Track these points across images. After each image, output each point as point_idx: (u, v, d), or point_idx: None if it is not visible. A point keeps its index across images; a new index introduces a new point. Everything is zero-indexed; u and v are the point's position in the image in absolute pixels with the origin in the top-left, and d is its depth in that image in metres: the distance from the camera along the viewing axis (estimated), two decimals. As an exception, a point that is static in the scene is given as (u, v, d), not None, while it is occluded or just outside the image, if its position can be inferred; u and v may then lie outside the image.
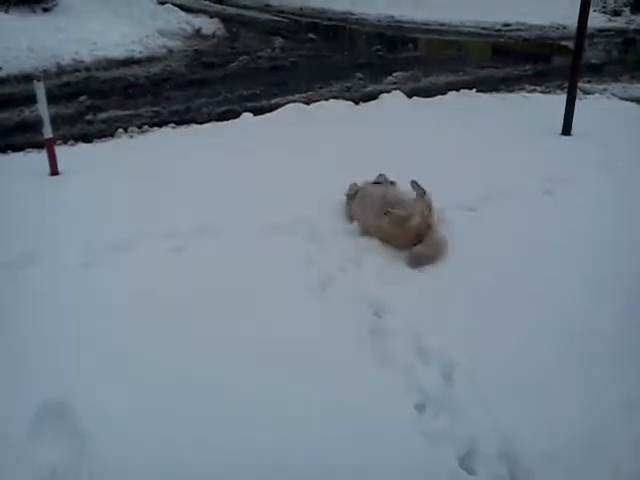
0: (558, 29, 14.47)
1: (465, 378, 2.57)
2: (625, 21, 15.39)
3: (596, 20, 14.04)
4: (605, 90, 8.32)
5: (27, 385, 2.50)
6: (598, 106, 7.01)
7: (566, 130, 5.71)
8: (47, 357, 2.66)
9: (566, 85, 6.06)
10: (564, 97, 5.87)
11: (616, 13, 15.62)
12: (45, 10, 11.97)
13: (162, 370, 2.58)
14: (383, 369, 2.62)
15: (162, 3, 15.16)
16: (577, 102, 5.76)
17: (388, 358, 2.67)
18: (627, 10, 15.78)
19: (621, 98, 7.70)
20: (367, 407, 2.43)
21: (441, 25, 15.19)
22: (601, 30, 14.39)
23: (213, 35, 12.84)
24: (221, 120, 6.45)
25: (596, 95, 7.79)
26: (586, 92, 7.83)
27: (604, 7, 15.62)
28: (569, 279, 3.31)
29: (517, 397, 2.51)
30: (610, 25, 15.02)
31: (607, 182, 4.55)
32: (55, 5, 12.32)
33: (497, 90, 8.19)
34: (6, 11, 11.30)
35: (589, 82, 8.75)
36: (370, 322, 2.91)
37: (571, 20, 13.22)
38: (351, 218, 3.86)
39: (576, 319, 2.98)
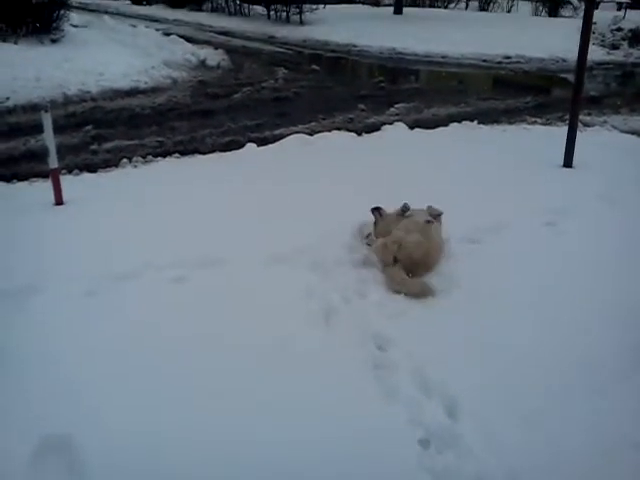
0: (557, 62, 14.70)
1: (469, 413, 2.54)
2: (623, 54, 15.62)
3: (595, 53, 14.25)
4: (605, 122, 8.40)
5: (27, 418, 2.48)
6: (599, 138, 7.07)
7: (568, 162, 5.75)
8: (48, 388, 2.64)
9: (567, 117, 6.14)
10: (565, 129, 5.93)
11: (614, 46, 15.85)
12: (53, 41, 12.21)
13: (164, 403, 2.55)
14: (386, 403, 2.59)
15: (168, 34, 15.45)
16: (578, 134, 5.81)
17: (391, 392, 2.64)
18: (625, 44, 16.01)
19: (621, 131, 7.78)
20: (370, 442, 2.40)
21: (442, 57, 15.45)
22: (600, 63, 14.61)
23: (218, 66, 13.03)
24: (225, 150, 6.50)
25: (596, 127, 7.87)
26: (586, 124, 7.92)
27: (602, 40, 15.86)
28: (572, 310, 3.29)
29: (522, 432, 2.47)
30: (609, 58, 15.25)
31: (609, 214, 4.57)
32: (63, 36, 12.57)
33: (498, 122, 8.29)
34: (15, 42, 11.51)
35: (589, 114, 8.85)
36: (373, 355, 2.88)
37: (570, 53, 13.49)
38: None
39: (579, 350, 2.97)
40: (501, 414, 2.56)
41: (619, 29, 16.21)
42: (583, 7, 5.59)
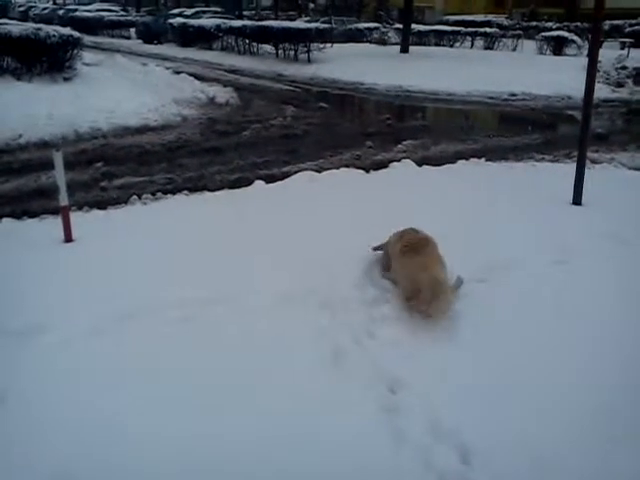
0: (563, 99, 14.83)
1: (482, 460, 2.48)
2: (628, 92, 15.75)
3: (601, 91, 14.37)
4: (613, 159, 8.40)
5: (29, 456, 2.45)
6: (607, 176, 7.06)
7: (577, 200, 5.74)
8: (51, 427, 2.60)
9: (574, 154, 6.15)
10: (573, 166, 5.93)
11: (619, 84, 16.00)
12: (66, 79, 12.45)
13: (169, 444, 2.51)
14: (398, 449, 2.54)
15: (177, 73, 15.74)
16: (586, 171, 5.80)
17: (403, 437, 2.59)
18: (630, 82, 16.17)
19: (629, 167, 7.77)
20: (382, 489, 2.34)
21: (449, 95, 15.62)
22: (605, 100, 14.73)
23: (226, 103, 13.22)
24: (234, 187, 6.53)
25: (604, 164, 7.86)
26: (594, 161, 7.92)
27: (607, 79, 16.01)
28: (585, 351, 3.24)
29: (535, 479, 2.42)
30: (614, 96, 15.37)
31: (619, 253, 4.52)
32: (75, 75, 12.83)
33: (506, 159, 8.30)
34: (29, 81, 11.75)
35: (597, 151, 8.87)
36: (384, 398, 2.83)
37: (575, 91, 13.63)
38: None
39: (593, 394, 2.90)
40: (515, 459, 2.49)
41: (623, 67, 16.38)
42: (587, 46, 5.65)
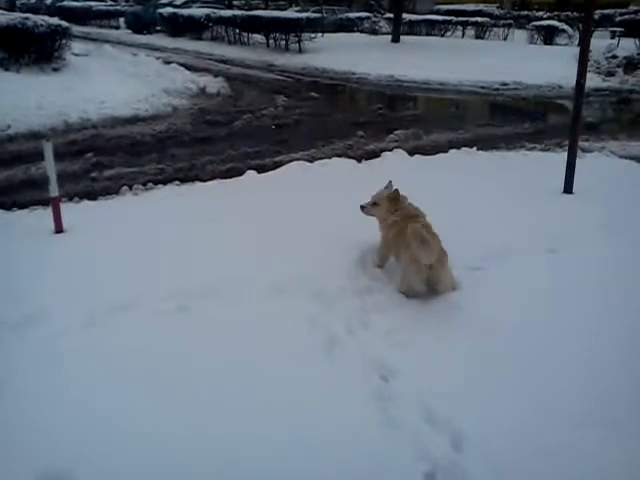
0: (554, 88, 14.86)
1: (475, 446, 2.49)
2: (619, 81, 15.80)
3: (591, 80, 14.38)
4: (604, 148, 8.43)
5: (26, 452, 2.43)
6: (598, 164, 7.08)
7: (568, 188, 5.76)
8: (47, 422, 2.59)
9: (565, 143, 6.16)
10: (564, 155, 5.95)
11: (610, 74, 16.05)
12: (54, 70, 12.31)
13: (164, 438, 2.50)
14: (391, 436, 2.55)
15: (168, 63, 15.62)
16: (577, 160, 5.82)
17: (396, 424, 2.60)
18: (620, 71, 16.21)
19: (620, 156, 7.80)
20: (375, 475, 2.36)
21: (441, 84, 15.61)
22: (596, 89, 14.77)
23: (217, 94, 13.14)
24: (225, 178, 6.50)
25: (595, 153, 7.89)
26: (585, 150, 7.95)
27: (598, 68, 16.05)
28: (578, 340, 3.25)
29: (529, 465, 2.43)
30: (605, 85, 15.42)
31: (610, 241, 4.55)
32: (64, 65, 12.68)
33: (497, 148, 8.32)
34: (17, 71, 11.61)
35: (587, 140, 8.90)
36: (377, 387, 2.84)
37: (566, 80, 13.65)
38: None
39: (587, 381, 2.92)
40: (508, 446, 2.51)
41: (614, 57, 16.43)
42: (578, 35, 5.66)
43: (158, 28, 29.26)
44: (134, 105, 10.74)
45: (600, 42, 17.93)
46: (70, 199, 5.82)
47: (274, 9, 33.15)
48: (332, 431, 2.56)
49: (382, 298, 3.61)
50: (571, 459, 2.47)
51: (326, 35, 24.05)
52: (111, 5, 37.60)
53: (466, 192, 5.64)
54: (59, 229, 4.66)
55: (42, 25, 12.06)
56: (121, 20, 33.24)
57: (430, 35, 28.90)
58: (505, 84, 15.33)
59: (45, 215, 4.86)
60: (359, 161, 7.14)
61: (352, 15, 33.05)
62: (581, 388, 2.88)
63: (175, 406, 2.68)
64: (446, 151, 7.61)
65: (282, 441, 2.50)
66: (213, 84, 13.80)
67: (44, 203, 5.24)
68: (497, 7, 36.82)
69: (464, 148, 7.76)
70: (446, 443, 2.52)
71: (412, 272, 3.54)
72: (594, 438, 2.56)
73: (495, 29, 28.75)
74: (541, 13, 31.46)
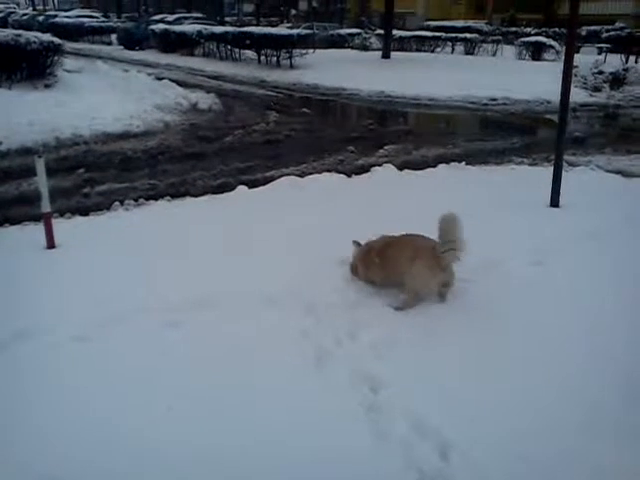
0: (542, 103, 15.05)
1: (463, 457, 2.52)
2: (605, 96, 16.02)
3: (578, 95, 14.63)
4: (590, 162, 8.55)
5: (17, 463, 2.45)
6: (584, 178, 7.19)
7: (554, 202, 5.85)
8: (38, 435, 2.61)
9: (552, 157, 6.25)
10: (551, 169, 6.04)
11: (596, 89, 16.27)
12: (47, 86, 12.39)
13: (156, 448, 2.53)
14: (379, 447, 2.58)
15: (159, 79, 15.72)
16: (563, 174, 5.91)
17: (384, 435, 2.63)
18: (606, 86, 16.44)
19: (606, 170, 7.91)
20: (364, 487, 2.39)
21: (430, 100, 15.77)
22: (583, 105, 14.98)
23: (209, 109, 13.23)
24: (216, 193, 6.55)
25: (581, 167, 8.00)
26: (572, 164, 8.07)
27: (585, 83, 16.27)
28: (564, 351, 3.30)
29: (515, 474, 2.47)
30: (592, 100, 15.64)
31: (596, 253, 4.63)
32: (56, 81, 12.76)
33: (486, 162, 8.43)
34: (9, 87, 11.67)
35: (574, 154, 9.03)
36: (366, 398, 2.88)
37: (554, 95, 13.73)
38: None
39: (572, 388, 2.97)
40: (494, 455, 2.54)
41: (600, 72, 16.66)
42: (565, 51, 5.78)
43: (150, 44, 29.41)
44: (126, 121, 10.80)
45: (587, 58, 18.22)
46: (62, 215, 5.85)
47: (265, 25, 33.40)
48: (321, 440, 2.59)
49: (369, 311, 3.66)
50: (558, 467, 2.51)
51: (317, 51, 24.27)
52: (103, 22, 37.78)
53: (454, 205, 5.67)
54: (51, 244, 4.69)
55: (34, 42, 12.15)
56: (113, 36, 33.42)
57: (420, 51, 29.23)
58: (494, 99, 15.52)
59: (37, 231, 4.88)
60: (349, 176, 7.22)
61: (343, 31, 33.40)
62: (567, 397, 2.92)
63: (169, 418, 2.71)
64: (435, 166, 7.70)
65: (272, 450, 2.52)
66: (205, 100, 13.89)
67: (36, 219, 5.27)
68: (486, 23, 37.26)
69: (453, 163, 7.86)
70: (434, 453, 2.56)
71: (428, 276, 3.70)
72: (581, 446, 2.60)
73: (484, 45, 29.10)
74: (529, 29, 31.89)
